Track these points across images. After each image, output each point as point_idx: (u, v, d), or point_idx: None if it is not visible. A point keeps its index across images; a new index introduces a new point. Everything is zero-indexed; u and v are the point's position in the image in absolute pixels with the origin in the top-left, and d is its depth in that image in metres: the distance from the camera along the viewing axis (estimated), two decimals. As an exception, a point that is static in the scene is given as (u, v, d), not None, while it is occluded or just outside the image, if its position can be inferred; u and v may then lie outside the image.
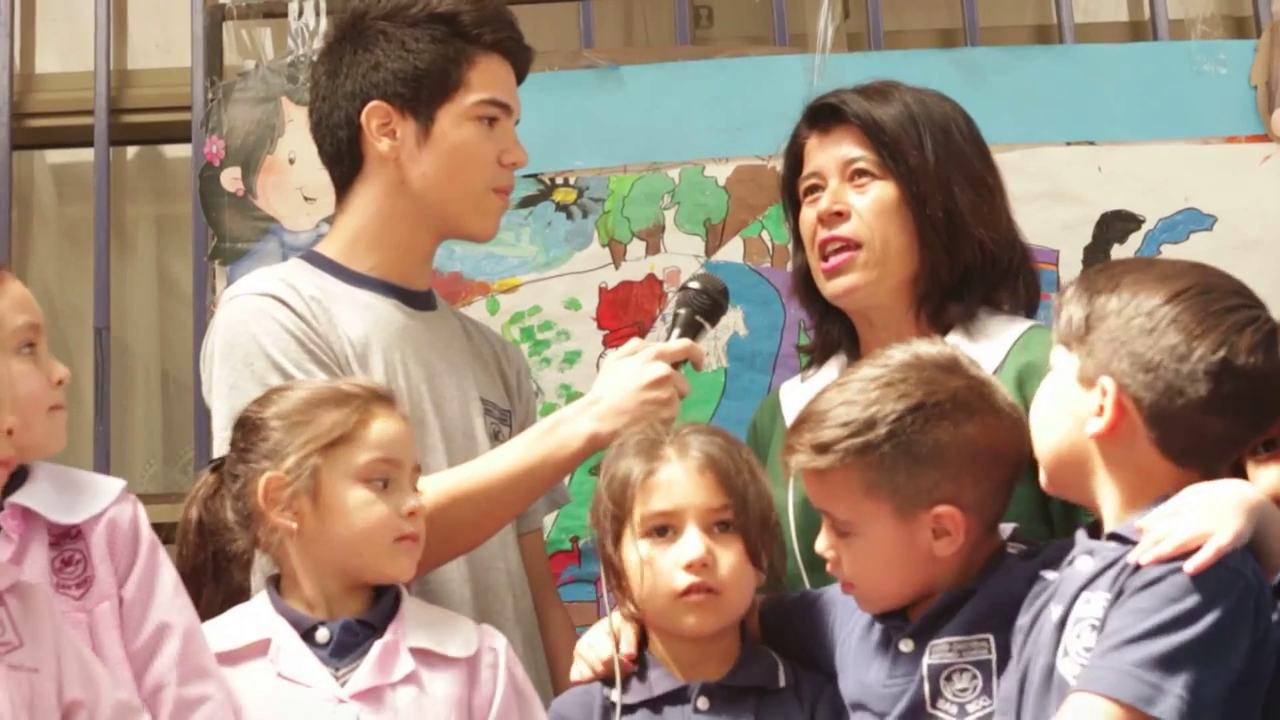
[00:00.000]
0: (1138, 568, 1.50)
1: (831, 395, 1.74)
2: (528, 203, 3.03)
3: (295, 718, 1.72)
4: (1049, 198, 2.99)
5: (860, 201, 2.04)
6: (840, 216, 2.04)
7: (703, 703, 1.80)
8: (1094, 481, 1.62)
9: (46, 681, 1.57)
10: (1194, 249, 2.98)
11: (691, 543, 1.79)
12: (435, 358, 2.14)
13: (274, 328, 2.01)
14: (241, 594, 1.89)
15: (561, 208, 3.05)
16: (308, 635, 1.77)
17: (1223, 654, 1.46)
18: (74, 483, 1.72)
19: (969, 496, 1.70)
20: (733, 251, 3.03)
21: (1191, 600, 1.46)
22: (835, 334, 2.14)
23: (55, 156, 3.58)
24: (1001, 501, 1.74)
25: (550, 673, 2.15)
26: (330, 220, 2.25)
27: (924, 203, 2.02)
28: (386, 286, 2.14)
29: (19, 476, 1.67)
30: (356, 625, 1.78)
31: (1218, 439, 1.59)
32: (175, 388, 3.52)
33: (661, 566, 1.80)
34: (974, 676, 1.68)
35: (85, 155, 3.34)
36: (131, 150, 3.55)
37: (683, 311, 2.03)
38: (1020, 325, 2.02)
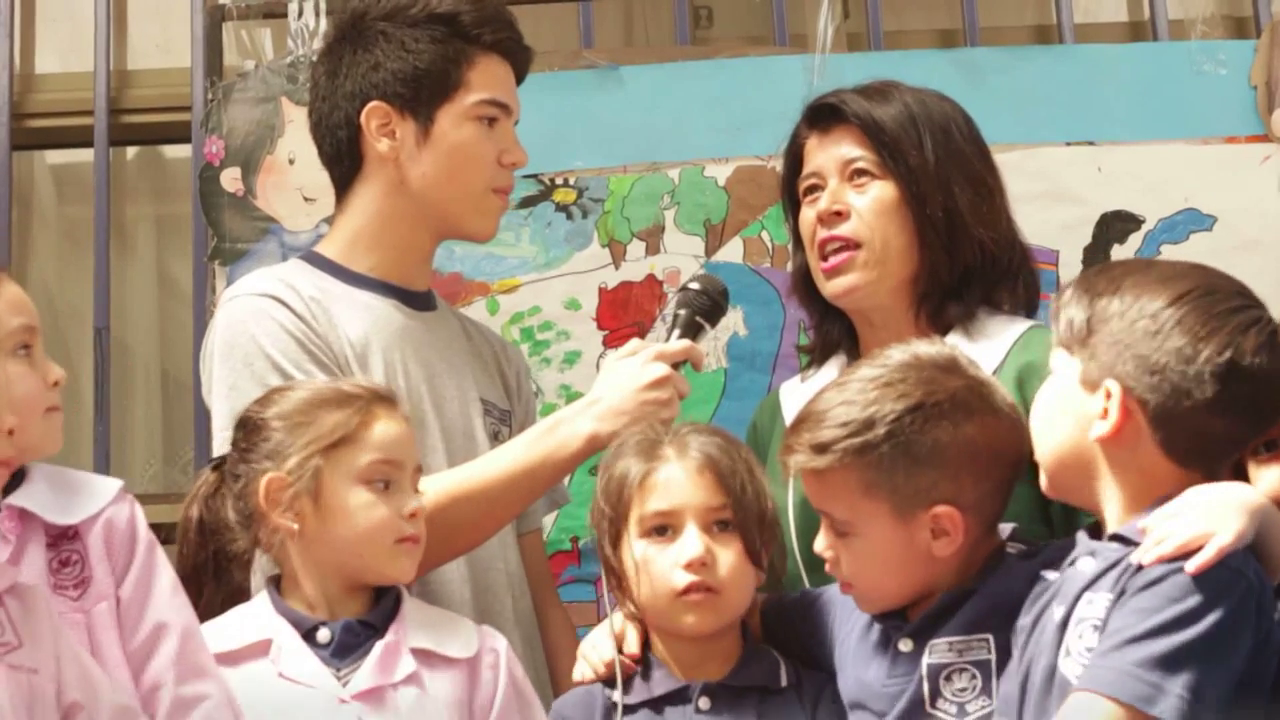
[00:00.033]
0: (1140, 568, 1.50)
1: (830, 395, 1.74)
2: (528, 203, 3.03)
3: (297, 718, 1.72)
4: (1049, 198, 2.99)
5: (860, 201, 2.04)
6: (840, 216, 2.04)
7: (704, 703, 1.80)
8: (1096, 484, 1.62)
9: (46, 682, 1.57)
10: (1194, 249, 2.98)
11: (691, 542, 1.79)
12: (435, 358, 2.14)
13: (273, 328, 2.01)
14: (242, 594, 1.89)
15: (561, 208, 3.05)
16: (309, 636, 1.77)
17: (1224, 654, 1.46)
18: (71, 483, 1.72)
19: (968, 496, 1.70)
20: (733, 252, 3.03)
21: (1193, 600, 1.46)
22: (835, 334, 2.14)
23: (55, 157, 3.58)
24: (1000, 501, 1.74)
25: (550, 673, 2.15)
26: (330, 220, 2.25)
27: (924, 203, 2.02)
28: (386, 287, 2.14)
29: (15, 478, 1.67)
30: (358, 626, 1.78)
31: (1221, 439, 1.59)
32: (175, 388, 3.52)
33: (661, 566, 1.80)
34: (973, 676, 1.68)
35: (85, 155, 3.34)
36: (131, 150, 3.54)
37: (683, 312, 2.03)
38: (1020, 325, 2.02)
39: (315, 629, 1.77)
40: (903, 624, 1.74)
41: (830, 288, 2.06)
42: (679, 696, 1.81)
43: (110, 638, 1.66)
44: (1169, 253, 3.00)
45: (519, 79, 2.21)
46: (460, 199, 2.13)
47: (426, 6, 2.12)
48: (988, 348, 1.97)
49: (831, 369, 2.10)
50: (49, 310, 3.45)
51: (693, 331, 2.02)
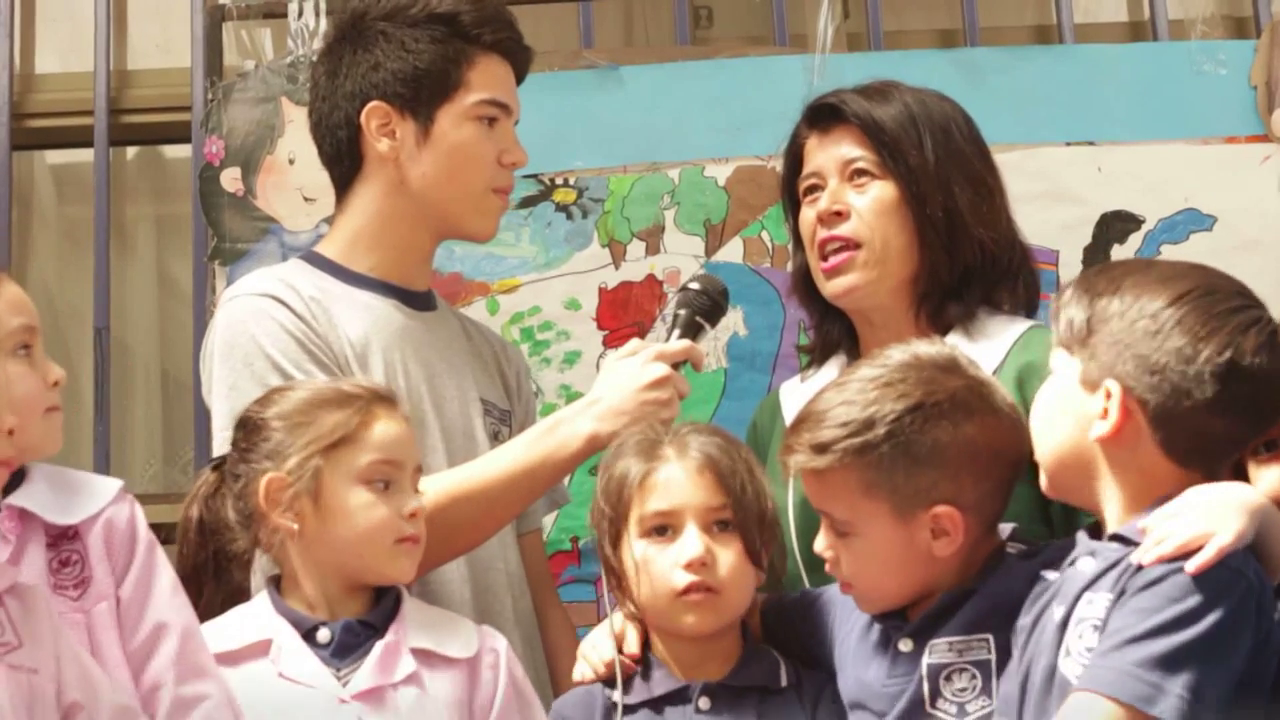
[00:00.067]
0: (1140, 568, 1.50)
1: (830, 395, 1.74)
2: (528, 203, 3.03)
3: (297, 718, 1.72)
4: (1049, 198, 2.99)
5: (860, 201, 2.04)
6: (840, 216, 2.04)
7: (704, 703, 1.80)
8: (1096, 484, 1.62)
9: (46, 682, 1.57)
10: (1194, 249, 2.98)
11: (690, 542, 1.79)
12: (435, 358, 2.14)
13: (273, 328, 2.01)
14: (241, 594, 1.89)
15: (561, 208, 3.05)
16: (309, 636, 1.77)
17: (1224, 654, 1.46)
18: (70, 483, 1.72)
19: (968, 496, 1.70)
20: (733, 252, 3.03)
21: (1193, 600, 1.46)
22: (835, 334, 2.14)
23: (55, 156, 3.58)
24: (1000, 501, 1.74)
25: (550, 673, 2.15)
26: (330, 220, 2.25)
27: (924, 202, 2.02)
28: (386, 287, 2.14)
29: (15, 478, 1.67)
30: (358, 626, 1.78)
31: (1221, 439, 1.59)
32: (175, 388, 3.52)
33: (661, 566, 1.80)
34: (973, 676, 1.68)
35: (85, 155, 3.34)
36: (131, 150, 3.54)
37: (683, 312, 2.03)
38: (1020, 325, 2.02)
39: (315, 629, 1.77)
40: (903, 624, 1.74)
41: (830, 288, 2.06)
42: (679, 696, 1.81)
43: (110, 638, 1.66)
44: (1169, 253, 3.00)
45: (519, 79, 2.21)
46: (460, 199, 2.13)
47: (426, 6, 2.12)
48: (988, 348, 1.97)
49: (831, 369, 2.10)
50: (49, 310, 3.45)
51: (693, 331, 2.02)
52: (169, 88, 3.30)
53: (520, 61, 2.20)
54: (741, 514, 1.81)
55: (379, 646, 1.76)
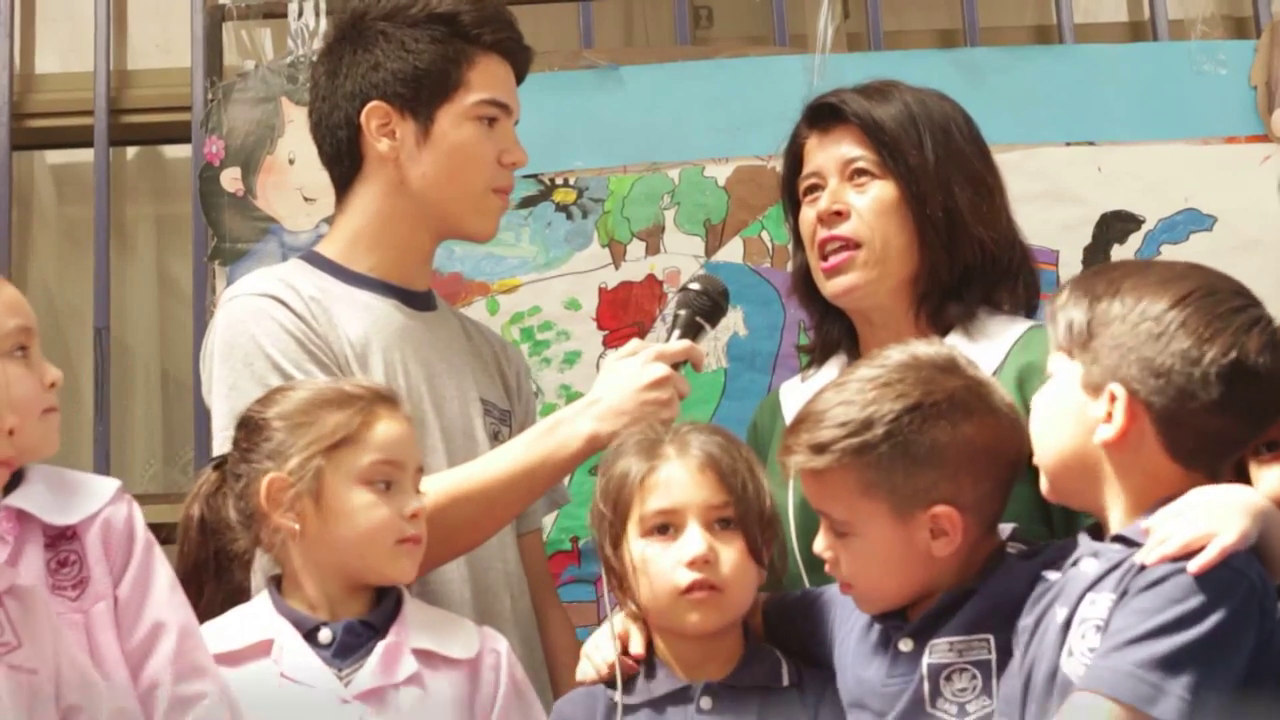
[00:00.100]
0: (1143, 568, 1.50)
1: (829, 396, 1.74)
2: (528, 203, 3.03)
3: (300, 718, 1.72)
4: (1049, 198, 2.99)
5: (860, 201, 2.04)
6: (840, 216, 2.04)
7: (706, 702, 1.80)
8: (1099, 487, 1.62)
9: (45, 683, 1.57)
10: (1194, 249, 2.98)
11: (693, 540, 1.79)
12: (435, 358, 2.14)
13: (273, 328, 2.01)
14: (242, 593, 1.89)
15: (561, 208, 3.05)
16: (310, 636, 1.77)
17: (1225, 655, 1.46)
18: (68, 484, 1.72)
19: (967, 496, 1.70)
20: (733, 252, 3.03)
21: (1195, 601, 1.46)
22: (835, 334, 2.14)
23: (55, 157, 3.58)
24: (1000, 501, 1.74)
25: (549, 673, 2.15)
26: (330, 220, 2.25)
27: (924, 202, 2.02)
28: (386, 287, 2.14)
29: (13, 479, 1.68)
30: (359, 626, 1.78)
31: (1224, 439, 1.59)
32: (175, 388, 3.53)
33: (663, 565, 1.79)
34: (974, 676, 1.68)
35: (85, 155, 3.34)
36: (131, 150, 3.55)
37: (683, 313, 2.03)
38: (1020, 325, 2.02)
39: (317, 629, 1.77)
40: (903, 624, 1.74)
41: (830, 287, 2.06)
42: (681, 696, 1.81)
43: (109, 638, 1.66)
44: (1169, 253, 3.00)
45: (519, 79, 2.21)
46: (460, 199, 2.13)
47: (426, 6, 2.12)
48: (988, 348, 1.97)
49: (832, 369, 2.10)
50: (49, 310, 3.45)
51: (693, 332, 2.02)
52: (169, 88, 3.30)
53: (520, 61, 2.20)
54: (743, 512, 1.81)
55: (380, 647, 1.76)
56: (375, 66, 2.11)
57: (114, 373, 3.24)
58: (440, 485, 1.93)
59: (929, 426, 1.68)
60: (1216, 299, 1.59)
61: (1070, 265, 2.98)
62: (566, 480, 2.16)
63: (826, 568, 1.78)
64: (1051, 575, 1.64)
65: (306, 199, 3.03)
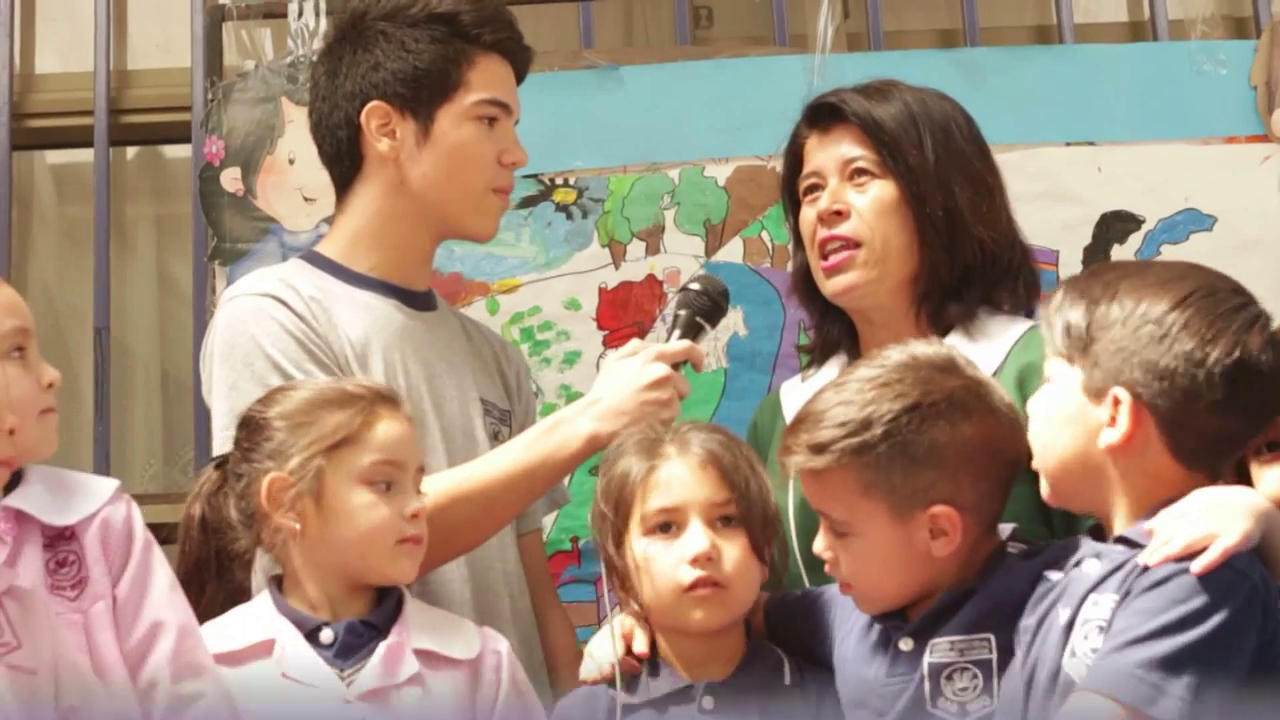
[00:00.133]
0: (1145, 569, 1.50)
1: (828, 396, 1.74)
2: (528, 203, 3.03)
3: (302, 718, 1.72)
4: (1049, 198, 2.99)
5: (860, 201, 2.04)
6: (840, 216, 2.04)
7: (708, 702, 1.80)
8: (1103, 490, 1.61)
9: (44, 684, 1.57)
10: (1194, 249, 2.98)
11: (696, 537, 1.79)
12: (435, 358, 2.14)
13: (274, 328, 2.01)
14: (243, 593, 1.89)
15: (561, 208, 3.05)
16: (311, 636, 1.77)
17: (1227, 656, 1.46)
18: (67, 484, 1.72)
19: (966, 496, 1.70)
20: (732, 252, 3.03)
21: (1197, 602, 1.46)
22: (835, 333, 2.14)
23: (55, 156, 3.58)
24: (999, 501, 1.74)
25: (549, 673, 2.15)
26: (330, 220, 2.25)
27: (924, 202, 2.02)
28: (386, 287, 2.14)
29: (11, 480, 1.68)
30: (360, 626, 1.78)
31: (1226, 438, 1.60)
32: (175, 388, 3.53)
33: (666, 563, 1.79)
34: (975, 676, 1.67)
35: (85, 155, 3.34)
36: (131, 150, 3.55)
37: (683, 313, 2.03)
38: (1020, 326, 2.02)
39: (318, 629, 1.77)
40: (903, 624, 1.73)
41: (830, 286, 2.06)
42: (683, 696, 1.81)
43: (108, 637, 1.66)
44: (1169, 253, 3.00)
45: (519, 79, 2.20)
46: (460, 199, 2.13)
47: (426, 6, 2.12)
48: (988, 348, 1.97)
49: (832, 369, 2.10)
50: (49, 310, 3.46)
51: (693, 332, 2.02)
52: (169, 88, 3.30)
53: (520, 61, 2.20)
54: (745, 509, 1.81)
55: (382, 647, 1.76)
56: (375, 66, 2.11)
57: (114, 373, 3.24)
58: (440, 485, 1.93)
59: (928, 426, 1.68)
60: (1216, 299, 1.59)
61: (1070, 265, 2.99)
62: (566, 480, 2.16)
63: (826, 568, 1.78)
64: (1054, 575, 1.64)
65: (306, 199, 3.03)
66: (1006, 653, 1.66)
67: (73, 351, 3.36)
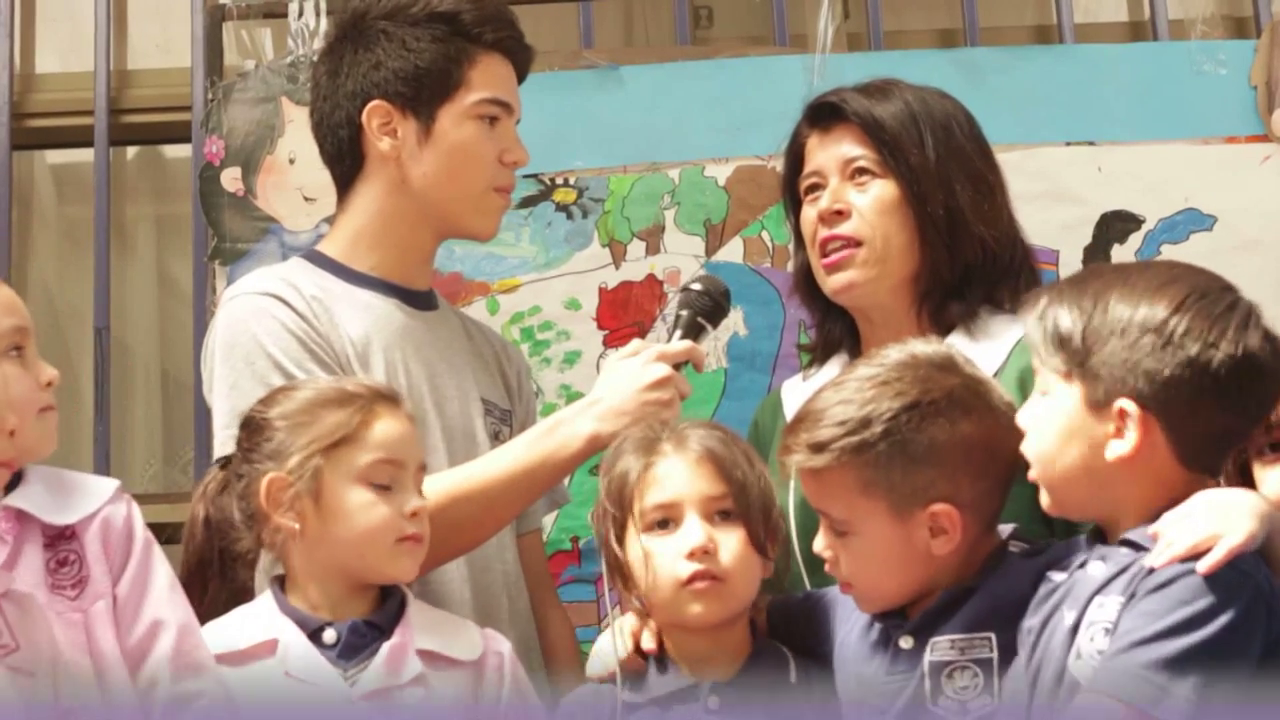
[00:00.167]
0: (1151, 571, 1.50)
1: (828, 395, 1.74)
2: (528, 203, 3.03)
3: (305, 718, 1.72)
4: (1049, 198, 2.99)
5: (861, 200, 2.04)
6: (841, 215, 2.04)
7: (713, 702, 1.79)
8: (1109, 499, 1.61)
9: (43, 686, 1.57)
10: (1194, 249, 2.97)
11: (692, 530, 1.79)
12: (436, 358, 2.14)
13: (275, 327, 2.01)
14: (246, 592, 1.89)
15: (561, 208, 3.05)
16: (314, 636, 1.76)
17: (1232, 657, 1.46)
18: (67, 484, 1.72)
19: (965, 495, 1.69)
20: (733, 252, 3.03)
21: (1202, 603, 1.46)
22: (836, 333, 2.14)
23: (55, 156, 3.58)
24: (999, 499, 1.73)
25: (548, 673, 2.15)
26: (330, 220, 2.25)
27: (925, 201, 2.02)
28: (387, 286, 2.14)
29: (11, 480, 1.68)
30: (364, 626, 1.78)
31: (1228, 436, 1.60)
32: (175, 388, 3.53)
33: (664, 558, 1.79)
34: (975, 674, 1.67)
35: (85, 155, 3.34)
36: (131, 150, 3.55)
37: (684, 313, 2.03)
38: (1021, 326, 2.02)
39: (321, 629, 1.77)
40: (903, 622, 1.73)
41: (831, 283, 2.06)
42: (688, 695, 1.81)
43: (108, 637, 1.66)
44: (1169, 253, 3.00)
45: (520, 78, 2.21)
46: (461, 198, 2.13)
47: (427, 5, 2.12)
48: (989, 348, 1.97)
49: (833, 368, 2.10)
50: (49, 310, 3.46)
51: (694, 332, 2.02)
52: (169, 88, 3.30)
53: (521, 61, 2.20)
54: (743, 503, 1.80)
55: (386, 648, 1.76)
56: (376, 65, 2.11)
57: (114, 373, 3.24)
58: (441, 485, 1.93)
59: (927, 425, 1.68)
60: (1210, 300, 1.59)
61: (1070, 265, 2.98)
62: (566, 480, 2.16)
63: (826, 567, 1.78)
64: (1057, 576, 1.64)
65: (307, 199, 3.03)
66: (1008, 651, 1.66)
67: (73, 351, 3.36)
